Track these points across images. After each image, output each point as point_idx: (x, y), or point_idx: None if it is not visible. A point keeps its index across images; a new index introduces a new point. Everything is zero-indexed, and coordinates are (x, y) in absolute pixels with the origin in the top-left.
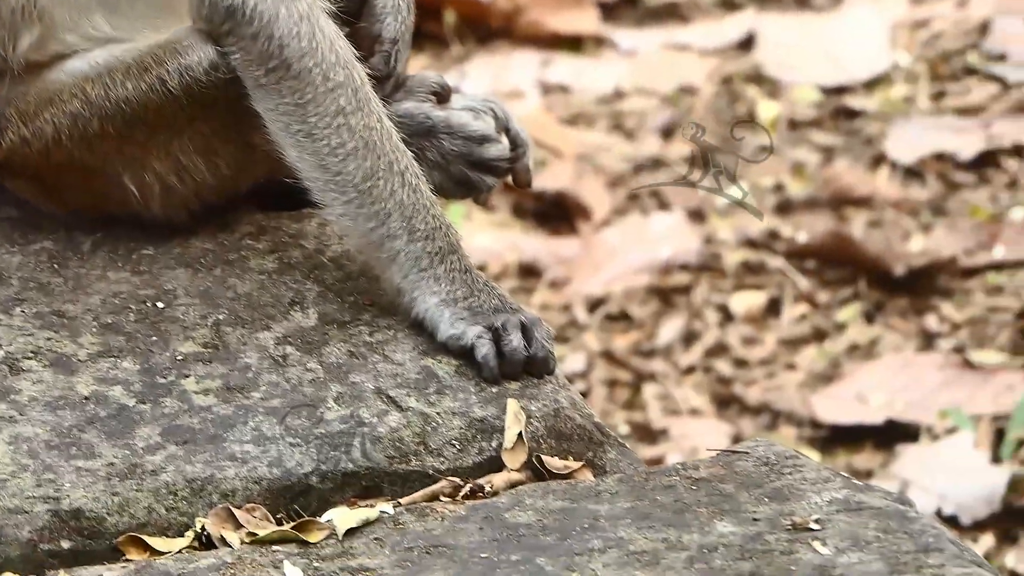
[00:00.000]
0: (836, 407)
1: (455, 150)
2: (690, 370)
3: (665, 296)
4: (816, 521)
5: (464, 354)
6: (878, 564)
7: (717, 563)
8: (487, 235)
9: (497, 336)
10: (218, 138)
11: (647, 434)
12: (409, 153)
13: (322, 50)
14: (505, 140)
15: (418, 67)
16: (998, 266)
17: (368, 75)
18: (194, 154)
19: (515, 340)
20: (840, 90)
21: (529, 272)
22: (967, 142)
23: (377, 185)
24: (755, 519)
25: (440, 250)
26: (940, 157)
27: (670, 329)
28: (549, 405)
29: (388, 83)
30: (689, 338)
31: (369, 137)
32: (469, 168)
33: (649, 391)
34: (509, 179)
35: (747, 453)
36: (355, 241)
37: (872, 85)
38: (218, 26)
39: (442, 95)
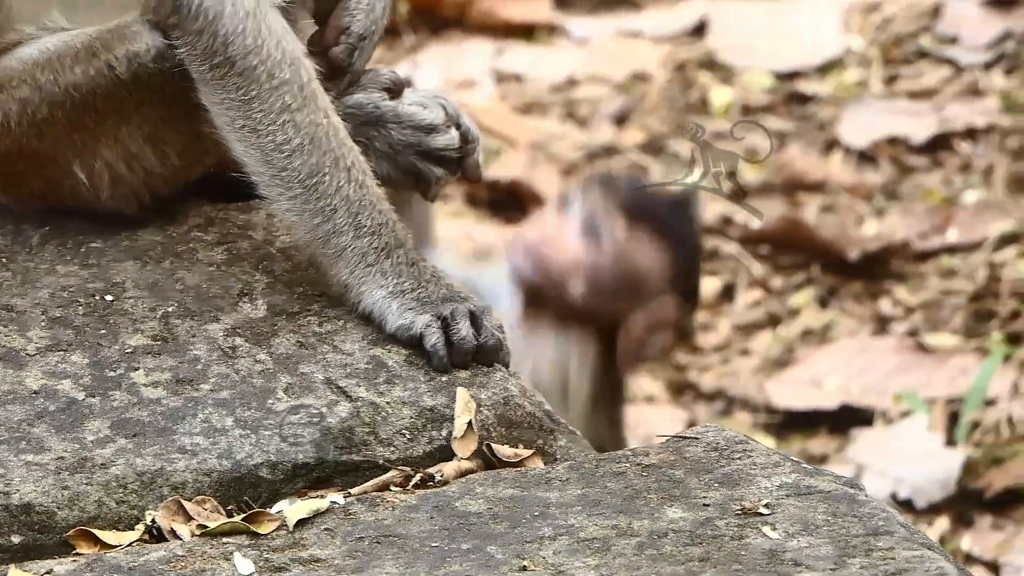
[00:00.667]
0: (791, 392)
1: (403, 140)
2: None
3: None
4: (766, 506)
5: (413, 344)
6: (828, 548)
7: (667, 549)
8: (441, 224)
9: (446, 325)
10: (167, 127)
11: None
12: (356, 149)
13: (268, 47)
14: (454, 131)
15: (372, 58)
16: (951, 249)
17: (325, 68)
18: (143, 142)
19: (464, 329)
20: (793, 75)
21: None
22: (920, 126)
23: (323, 181)
24: (705, 504)
25: (387, 245)
26: (893, 141)
27: None
28: (499, 393)
29: (344, 79)
30: None
31: (315, 133)
32: (418, 158)
33: None
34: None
35: (697, 439)
36: (301, 236)
37: (825, 70)
38: (164, 19)
39: (394, 90)
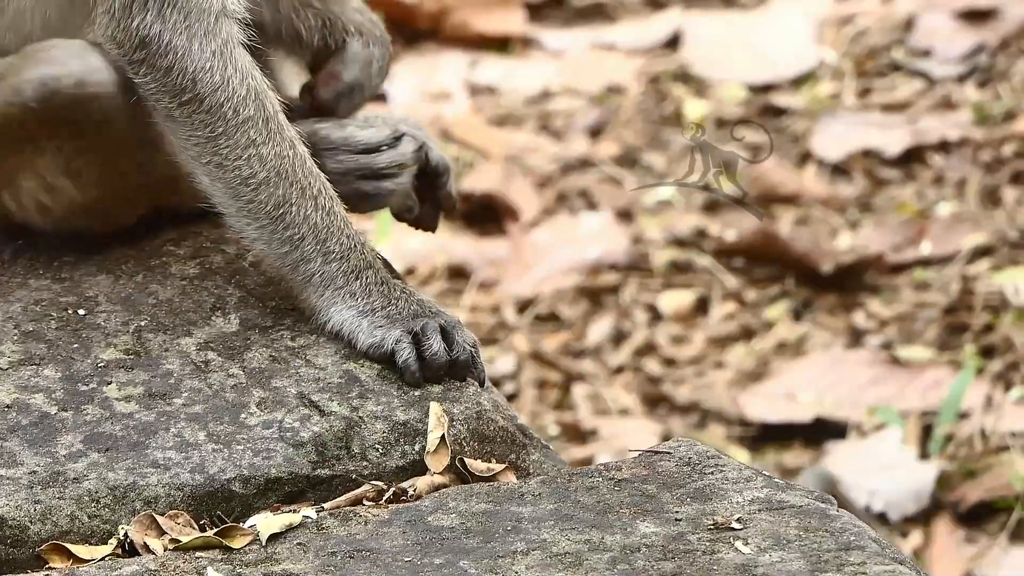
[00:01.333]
0: (765, 405)
1: (339, 167)
2: (619, 370)
3: (594, 296)
4: (738, 520)
5: (385, 361)
6: (799, 563)
7: (639, 563)
8: (415, 238)
9: (417, 340)
10: (81, 159)
11: (576, 435)
12: (322, 176)
13: (233, 84)
14: (404, 146)
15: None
16: (925, 262)
17: (309, 108)
18: (60, 174)
19: (435, 344)
20: (767, 88)
21: (458, 274)
22: (893, 138)
23: (290, 211)
24: (677, 519)
25: (355, 268)
26: (867, 154)
27: (599, 329)
28: (472, 408)
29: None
30: (618, 338)
31: (280, 166)
32: (363, 181)
33: (578, 391)
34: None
35: (669, 453)
36: (270, 263)
37: (798, 82)
38: (129, 53)
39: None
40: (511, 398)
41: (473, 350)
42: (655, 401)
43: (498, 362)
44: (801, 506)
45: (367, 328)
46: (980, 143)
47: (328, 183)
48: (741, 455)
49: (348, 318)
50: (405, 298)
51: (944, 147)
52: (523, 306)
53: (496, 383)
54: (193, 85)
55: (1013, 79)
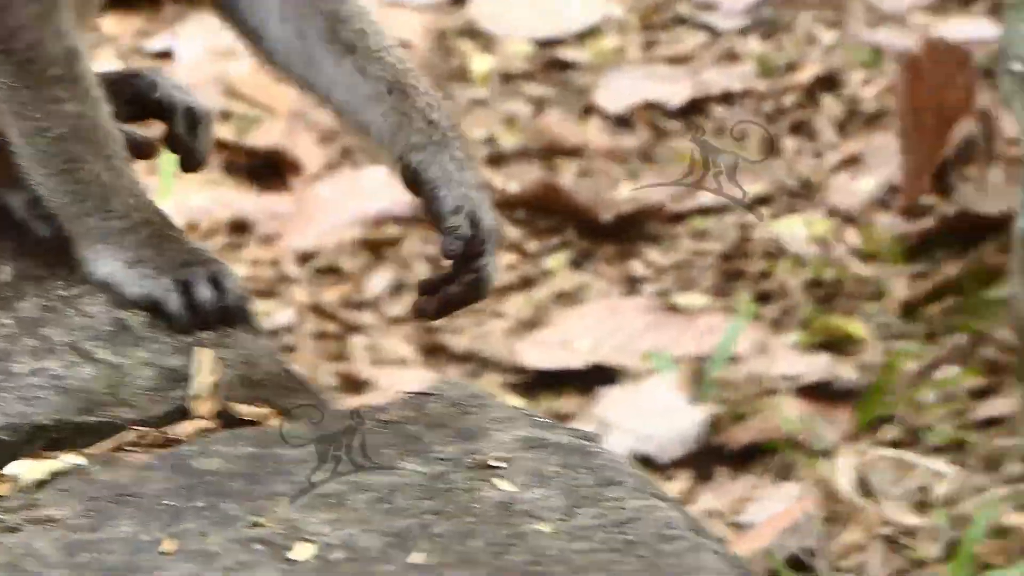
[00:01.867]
0: (541, 353)
1: None
2: (398, 320)
3: (375, 248)
4: (500, 459)
5: (154, 309)
6: (559, 499)
7: (400, 502)
8: (199, 194)
9: (187, 289)
10: None
11: (353, 385)
12: (120, 137)
13: (48, 44)
14: None
15: (132, 29)
16: (704, 211)
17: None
18: None
19: (204, 291)
20: (553, 43)
21: (240, 228)
22: (676, 90)
23: (81, 169)
24: (440, 459)
25: (133, 225)
26: (650, 106)
27: (379, 281)
28: (241, 353)
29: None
30: (398, 289)
31: (79, 125)
32: None
33: (357, 342)
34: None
35: (437, 395)
36: (52, 208)
37: (584, 37)
38: None
39: None
40: (289, 350)
41: (244, 296)
42: (433, 351)
43: (277, 315)
44: (563, 444)
45: (135, 278)
46: (762, 94)
47: (123, 145)
48: (515, 402)
49: (116, 268)
50: (177, 248)
51: (726, 98)
52: (304, 259)
53: (275, 335)
54: (9, 39)
55: (796, 31)
